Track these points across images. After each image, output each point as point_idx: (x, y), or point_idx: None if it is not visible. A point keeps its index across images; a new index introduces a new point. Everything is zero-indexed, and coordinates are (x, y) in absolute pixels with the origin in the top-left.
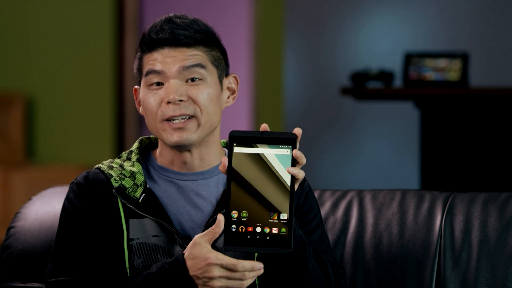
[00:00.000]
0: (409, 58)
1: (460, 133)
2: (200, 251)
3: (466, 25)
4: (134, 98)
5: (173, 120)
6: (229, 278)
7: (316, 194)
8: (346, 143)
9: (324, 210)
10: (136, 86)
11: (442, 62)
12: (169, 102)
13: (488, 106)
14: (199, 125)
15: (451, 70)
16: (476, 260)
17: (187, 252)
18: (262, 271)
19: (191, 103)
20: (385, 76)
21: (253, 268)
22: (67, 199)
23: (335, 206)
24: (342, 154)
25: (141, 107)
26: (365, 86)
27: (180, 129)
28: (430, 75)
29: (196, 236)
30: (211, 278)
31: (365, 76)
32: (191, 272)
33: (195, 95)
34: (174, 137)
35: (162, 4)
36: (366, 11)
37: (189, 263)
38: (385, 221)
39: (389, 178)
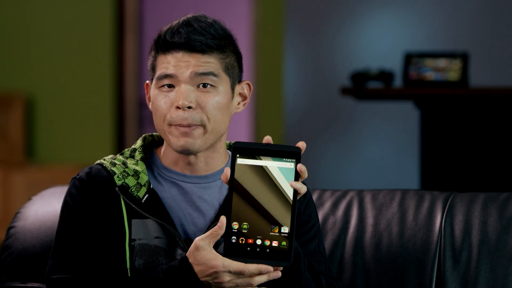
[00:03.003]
0: (409, 58)
1: (460, 133)
2: (205, 257)
3: (466, 25)
4: (146, 92)
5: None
6: (238, 278)
7: (316, 194)
8: (346, 143)
9: (324, 210)
10: (147, 81)
11: (442, 62)
12: (178, 107)
13: (488, 106)
14: (205, 133)
15: (451, 70)
16: (476, 260)
17: (191, 257)
18: (274, 273)
19: (199, 111)
20: (385, 76)
21: (260, 271)
22: (69, 195)
23: (335, 206)
24: (342, 154)
25: (151, 103)
26: (365, 86)
27: (186, 134)
28: (430, 75)
29: (198, 239)
30: (222, 282)
31: (365, 76)
32: (202, 278)
33: (204, 102)
34: (181, 142)
35: (162, 4)
36: (366, 11)
37: (197, 269)
38: (385, 221)
39: (389, 178)
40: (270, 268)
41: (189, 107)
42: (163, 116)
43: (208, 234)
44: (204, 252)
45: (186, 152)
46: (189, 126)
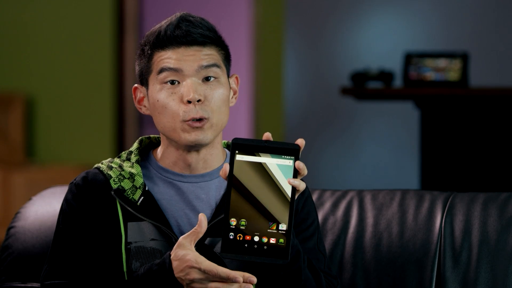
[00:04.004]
0: (409, 58)
1: (460, 133)
2: (182, 253)
3: (466, 25)
4: (134, 97)
5: (192, 120)
6: (209, 281)
7: (316, 194)
8: (346, 143)
9: (324, 210)
10: (136, 85)
11: (442, 62)
12: (188, 102)
13: (488, 106)
14: (211, 125)
15: (451, 70)
16: (476, 260)
17: (173, 253)
18: (245, 285)
19: (207, 103)
20: (385, 76)
21: (228, 277)
22: (65, 200)
23: (335, 206)
24: (342, 154)
25: (143, 106)
26: (365, 86)
27: (198, 128)
28: (430, 75)
29: (181, 237)
30: (192, 281)
31: (365, 76)
32: (176, 274)
33: (211, 95)
34: (192, 136)
35: (162, 4)
36: (366, 11)
37: (174, 264)
38: (385, 221)
39: (389, 178)
40: (240, 277)
41: (199, 100)
42: (175, 113)
43: (190, 232)
44: (183, 248)
45: (197, 145)
46: (201, 119)
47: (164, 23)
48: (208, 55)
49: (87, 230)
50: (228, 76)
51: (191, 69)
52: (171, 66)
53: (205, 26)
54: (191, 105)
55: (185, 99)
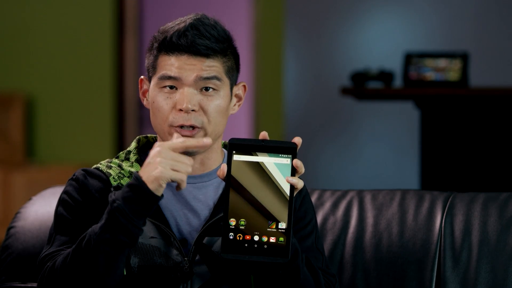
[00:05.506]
0: (409, 58)
1: (460, 133)
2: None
3: (466, 25)
4: (139, 87)
5: (182, 127)
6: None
7: (316, 194)
8: (346, 143)
9: (324, 210)
10: (142, 77)
11: (442, 62)
12: (181, 110)
13: (488, 106)
14: (205, 135)
15: (451, 70)
16: (476, 260)
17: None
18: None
19: (201, 113)
20: (385, 76)
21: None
22: (65, 193)
23: (335, 206)
24: (342, 154)
25: (145, 99)
26: (365, 86)
27: (187, 137)
28: (430, 75)
29: None
30: (159, 163)
31: (365, 76)
32: (145, 178)
33: (207, 106)
34: None
35: (162, 4)
36: (366, 11)
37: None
38: (385, 221)
39: (389, 178)
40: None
41: (193, 110)
42: (165, 117)
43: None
44: None
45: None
46: (191, 127)
47: (176, 24)
48: (210, 67)
49: (88, 221)
50: (233, 85)
51: (189, 78)
52: (171, 74)
53: (213, 36)
54: (182, 113)
55: (178, 107)
